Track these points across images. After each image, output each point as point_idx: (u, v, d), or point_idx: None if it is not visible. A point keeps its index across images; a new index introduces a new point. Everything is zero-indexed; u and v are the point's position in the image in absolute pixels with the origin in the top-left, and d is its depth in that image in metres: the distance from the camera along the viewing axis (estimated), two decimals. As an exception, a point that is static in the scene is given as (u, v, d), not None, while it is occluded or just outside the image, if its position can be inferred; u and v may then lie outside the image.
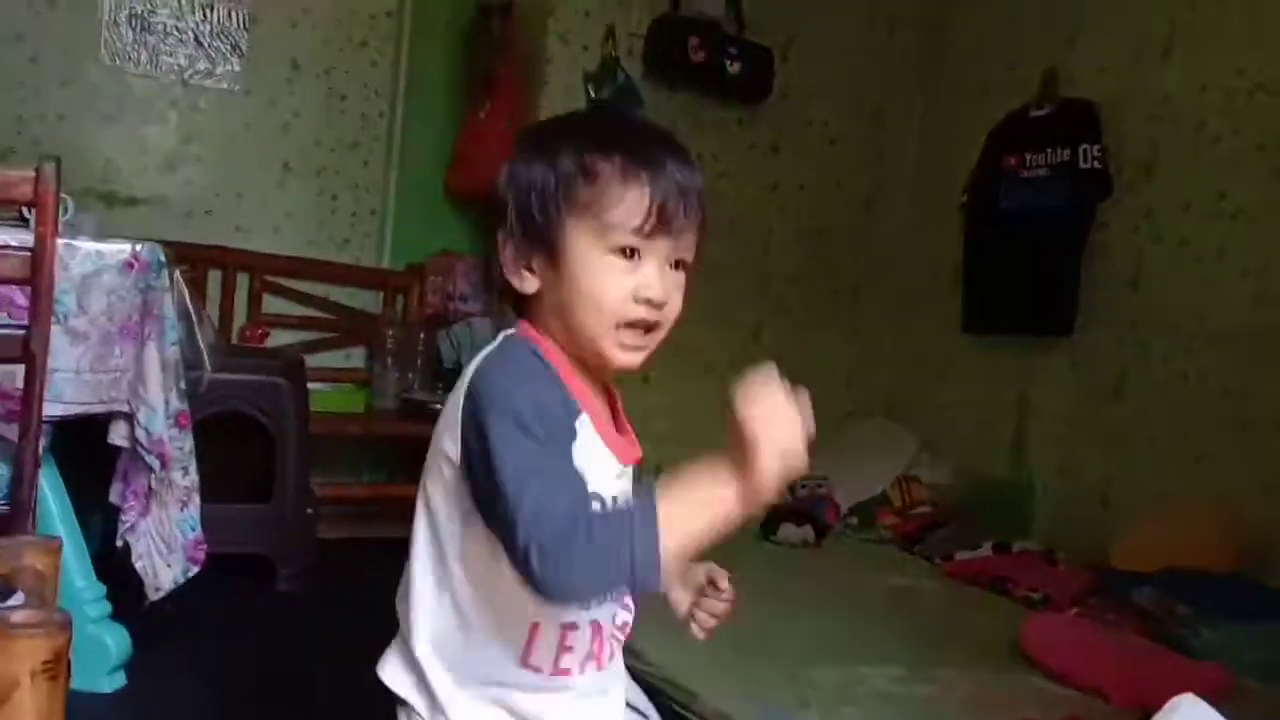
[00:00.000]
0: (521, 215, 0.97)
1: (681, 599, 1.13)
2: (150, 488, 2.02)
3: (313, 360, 3.21)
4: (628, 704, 1.11)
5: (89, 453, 2.01)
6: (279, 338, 3.35)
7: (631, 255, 0.95)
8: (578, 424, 0.95)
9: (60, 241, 1.75)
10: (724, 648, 2.01)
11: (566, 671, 0.98)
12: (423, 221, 3.61)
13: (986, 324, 3.50)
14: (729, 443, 0.85)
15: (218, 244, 3.28)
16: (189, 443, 2.04)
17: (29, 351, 1.58)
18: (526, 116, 3.20)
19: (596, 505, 0.93)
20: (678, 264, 0.98)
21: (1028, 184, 3.28)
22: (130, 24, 3.25)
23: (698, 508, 0.85)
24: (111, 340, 1.89)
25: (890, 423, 3.76)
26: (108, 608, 2.02)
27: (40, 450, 1.67)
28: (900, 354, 3.90)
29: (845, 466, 3.52)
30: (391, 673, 1.00)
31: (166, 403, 1.96)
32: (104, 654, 1.98)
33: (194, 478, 2.06)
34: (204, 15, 3.35)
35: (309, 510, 2.83)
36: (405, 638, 0.99)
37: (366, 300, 3.58)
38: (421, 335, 3.50)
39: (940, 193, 3.67)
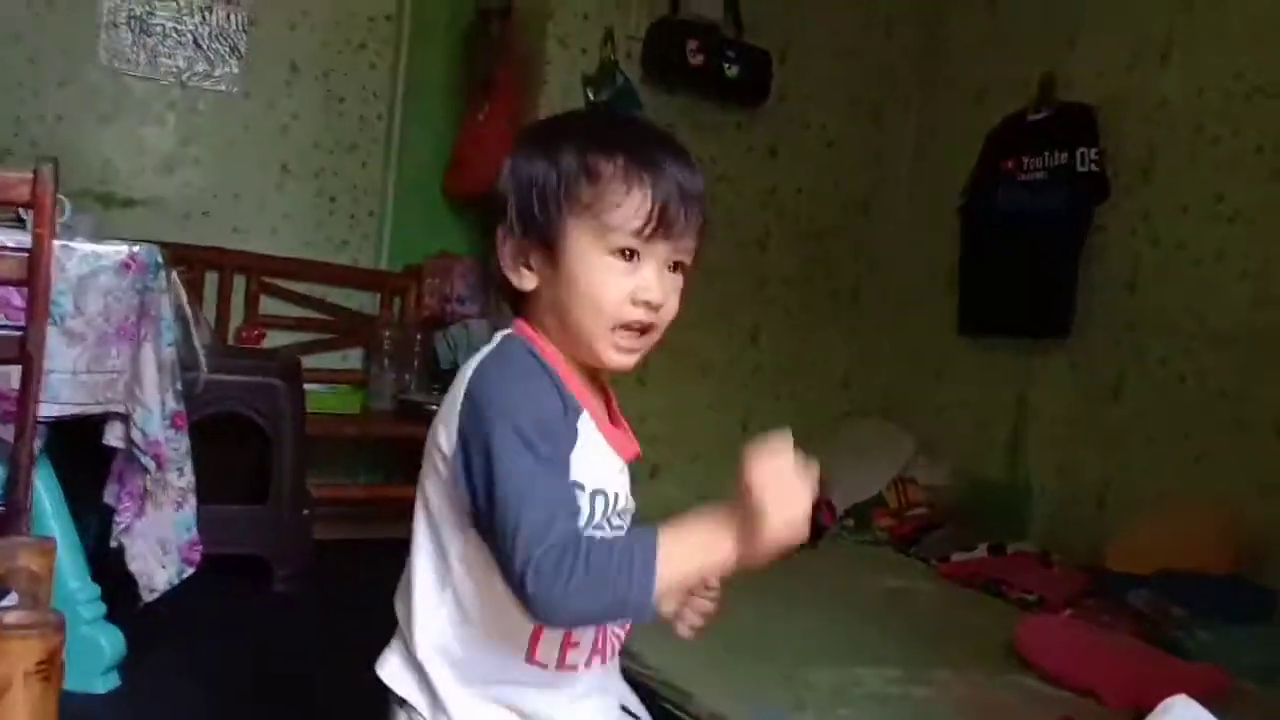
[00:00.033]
0: (522, 212, 0.96)
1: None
2: (146, 489, 2.02)
3: (309, 361, 3.21)
4: (621, 706, 1.10)
5: (84, 453, 2.01)
6: (276, 339, 3.35)
7: (631, 257, 0.95)
8: (580, 423, 0.95)
9: (57, 243, 1.75)
10: (719, 649, 2.01)
11: (573, 667, 0.98)
12: (421, 223, 3.62)
13: (984, 326, 3.50)
14: (736, 496, 0.86)
15: (215, 245, 3.29)
16: (185, 444, 2.04)
17: (25, 352, 1.58)
18: (525, 119, 3.20)
19: (597, 533, 0.95)
20: (675, 266, 0.98)
21: (1025, 187, 3.29)
22: (129, 25, 3.25)
23: (696, 551, 0.88)
24: (108, 341, 1.89)
25: (888, 423, 3.76)
26: (102, 609, 2.02)
27: (36, 451, 1.67)
28: (898, 355, 3.90)
29: (842, 467, 3.52)
30: (391, 672, 0.99)
31: (162, 404, 1.96)
32: (98, 655, 1.98)
33: (190, 479, 2.06)
34: (203, 17, 3.35)
35: (305, 511, 2.83)
36: (406, 637, 0.98)
37: (364, 302, 3.59)
38: (419, 337, 3.51)
39: (938, 195, 3.67)
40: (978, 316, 3.51)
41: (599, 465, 0.96)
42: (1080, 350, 3.23)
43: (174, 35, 3.31)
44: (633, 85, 3.29)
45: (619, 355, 0.97)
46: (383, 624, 1.07)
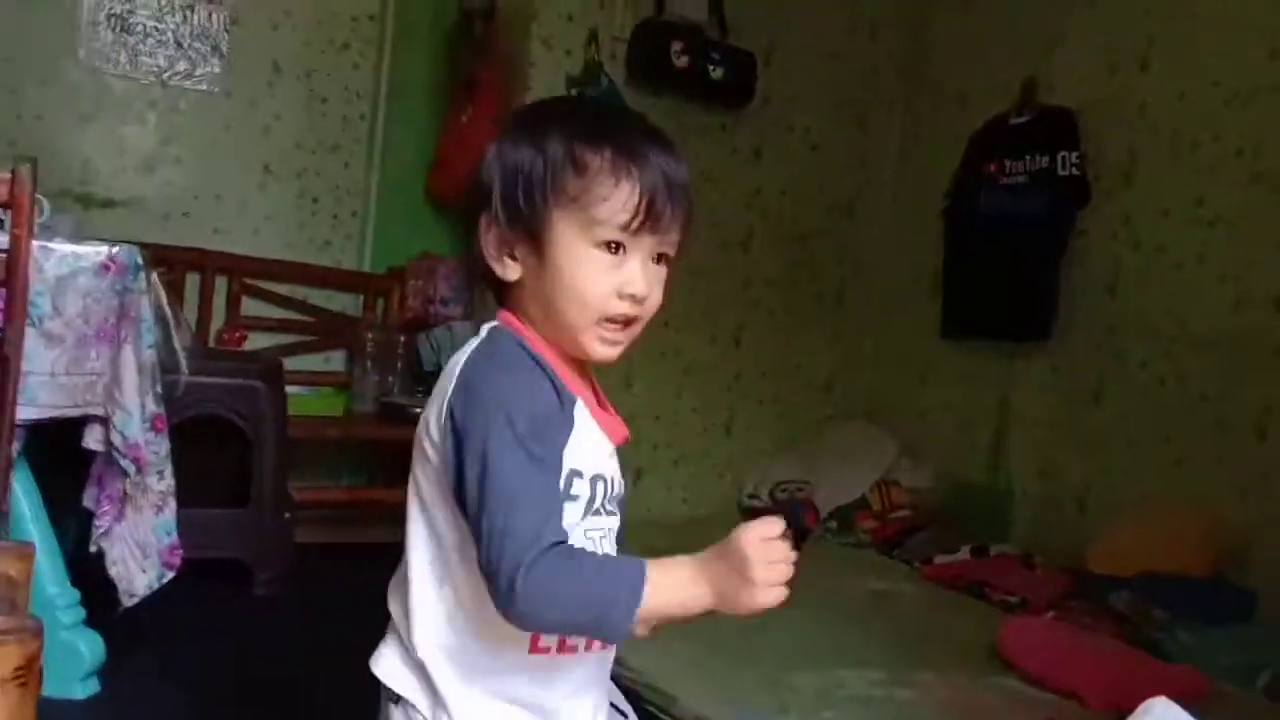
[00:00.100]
0: (507, 201, 0.96)
1: None
2: (125, 492, 2.00)
3: (291, 363, 3.20)
4: (611, 704, 1.10)
5: (63, 457, 1.99)
6: (257, 341, 3.32)
7: (617, 250, 0.95)
8: (575, 412, 0.95)
9: (36, 243, 1.74)
10: (703, 652, 2.01)
11: (573, 649, 0.98)
12: (404, 225, 3.60)
13: (967, 329, 3.51)
14: (722, 555, 0.88)
15: (196, 246, 3.26)
16: (165, 447, 2.02)
17: (2, 354, 1.57)
18: (509, 120, 3.19)
19: (596, 519, 0.96)
20: (660, 258, 0.98)
21: (1007, 191, 3.31)
22: (109, 24, 3.23)
23: (678, 590, 0.88)
24: (87, 343, 1.87)
25: (871, 426, 3.78)
26: (81, 614, 2.00)
27: (13, 454, 1.65)
28: (881, 358, 3.91)
29: (826, 470, 3.53)
30: (388, 669, 0.98)
31: (142, 406, 1.95)
32: (77, 660, 1.96)
33: (170, 482, 2.04)
34: (184, 16, 3.33)
35: (287, 514, 2.82)
36: (403, 634, 0.97)
37: (346, 303, 3.57)
38: (402, 338, 3.49)
39: (922, 198, 3.69)
40: (961, 320, 3.52)
41: (594, 451, 0.97)
42: (1062, 353, 3.25)
43: (155, 34, 3.29)
44: (617, 87, 3.29)
45: (604, 347, 0.97)
46: (365, 627, 1.06)
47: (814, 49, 3.72)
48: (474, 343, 0.97)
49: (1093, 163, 3.15)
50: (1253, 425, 2.75)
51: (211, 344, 3.22)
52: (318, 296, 3.51)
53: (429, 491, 0.96)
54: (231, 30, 3.38)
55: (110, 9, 3.22)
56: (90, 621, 2.01)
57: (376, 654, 1.00)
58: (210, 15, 3.36)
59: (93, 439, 1.96)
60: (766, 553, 0.87)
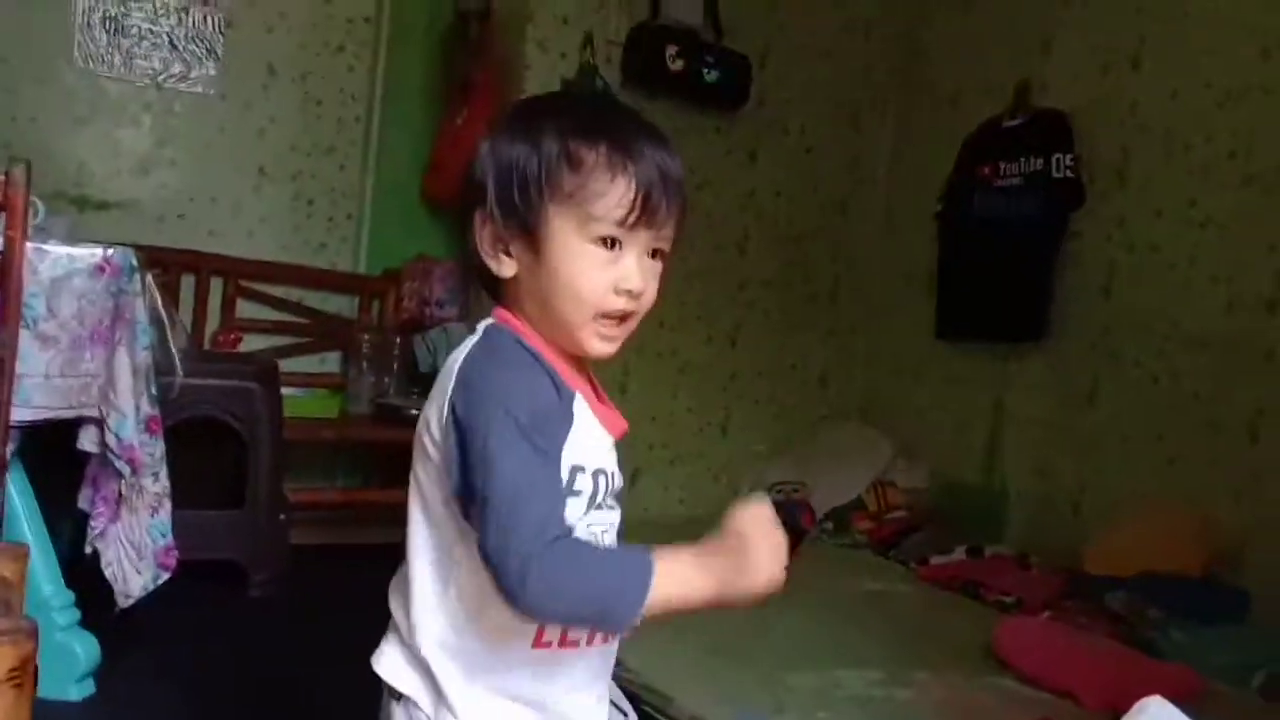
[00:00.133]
0: (501, 197, 0.96)
1: None
2: (120, 494, 2.00)
3: (287, 365, 3.19)
4: (611, 703, 1.10)
5: (58, 458, 1.99)
6: (252, 343, 3.32)
7: (612, 245, 0.95)
8: (575, 406, 0.95)
9: (30, 245, 1.74)
10: (700, 652, 2.02)
11: (574, 643, 0.97)
12: (399, 227, 3.60)
13: (961, 330, 3.52)
14: (720, 540, 0.89)
15: (191, 248, 3.26)
16: (160, 448, 2.02)
17: (-3, 355, 1.56)
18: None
19: (598, 513, 0.97)
20: (655, 253, 0.98)
21: (1001, 193, 3.31)
22: (104, 26, 3.23)
23: (683, 580, 0.89)
24: (82, 345, 1.87)
25: (866, 427, 3.78)
26: (76, 615, 1.99)
27: (8, 456, 1.65)
28: (876, 358, 3.92)
29: (821, 471, 3.54)
30: (390, 667, 0.98)
31: (137, 408, 1.95)
32: (72, 662, 1.96)
33: (165, 483, 2.04)
34: (179, 19, 3.33)
35: (282, 516, 2.81)
36: (405, 633, 0.97)
37: (342, 305, 3.57)
38: (397, 340, 3.49)
39: (915, 199, 3.70)
40: (955, 320, 3.53)
41: (595, 447, 0.97)
42: (1056, 354, 3.26)
43: (150, 37, 3.29)
44: (612, 90, 3.30)
45: (600, 343, 0.97)
46: (361, 627, 1.06)
47: (808, 51, 3.73)
48: (471, 340, 0.97)
49: (1086, 165, 3.16)
50: (1245, 425, 2.75)
51: (206, 346, 3.22)
52: (313, 298, 3.51)
53: (430, 490, 0.96)
54: (226, 33, 3.38)
55: (105, 11, 3.22)
56: (85, 623, 2.01)
57: (378, 652, 1.00)
58: (205, 18, 3.36)
59: (88, 440, 1.95)
60: (761, 538, 0.89)
